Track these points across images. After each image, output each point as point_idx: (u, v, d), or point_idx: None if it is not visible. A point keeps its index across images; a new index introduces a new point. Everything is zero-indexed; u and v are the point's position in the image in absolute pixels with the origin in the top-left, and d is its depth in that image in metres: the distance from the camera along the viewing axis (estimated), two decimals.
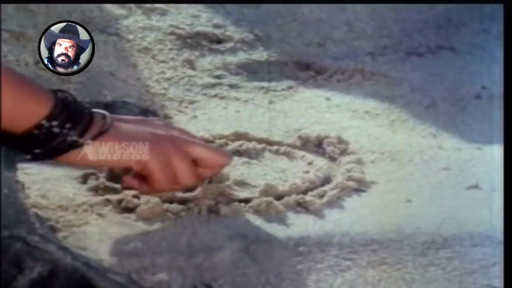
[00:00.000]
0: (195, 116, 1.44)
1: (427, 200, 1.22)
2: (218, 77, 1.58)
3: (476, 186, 1.25)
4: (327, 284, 1.04)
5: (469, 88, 1.60)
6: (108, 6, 1.72)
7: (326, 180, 1.23)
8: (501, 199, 1.11)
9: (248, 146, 1.30)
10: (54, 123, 0.96)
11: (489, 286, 1.06)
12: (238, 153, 1.29)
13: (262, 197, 1.16)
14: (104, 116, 1.03)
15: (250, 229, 1.10)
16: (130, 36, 1.65)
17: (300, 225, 1.12)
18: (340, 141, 1.33)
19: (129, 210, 1.12)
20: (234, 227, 1.10)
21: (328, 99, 1.55)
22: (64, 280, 0.88)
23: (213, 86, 1.55)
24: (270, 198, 1.15)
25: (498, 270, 1.07)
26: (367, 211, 1.18)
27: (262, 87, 1.57)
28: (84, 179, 1.20)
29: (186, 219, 1.11)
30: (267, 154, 1.30)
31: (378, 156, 1.32)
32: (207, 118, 1.43)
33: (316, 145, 1.33)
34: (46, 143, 0.97)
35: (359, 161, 1.29)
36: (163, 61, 1.60)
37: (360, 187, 1.22)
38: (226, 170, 1.19)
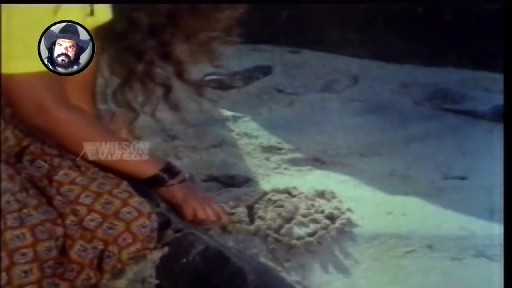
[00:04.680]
0: (268, 181, 1.43)
1: (374, 221, 1.19)
2: (279, 164, 1.56)
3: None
4: None
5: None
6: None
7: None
8: None
9: (291, 192, 1.27)
10: (163, 173, 0.92)
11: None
12: (288, 196, 1.25)
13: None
14: (184, 176, 0.97)
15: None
16: (242, 147, 1.64)
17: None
18: (333, 193, 1.31)
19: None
20: None
21: (328, 175, 1.51)
22: (212, 253, 0.87)
23: (277, 168, 1.54)
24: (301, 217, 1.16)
25: None
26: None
27: (298, 169, 1.54)
28: None
29: None
30: (301, 196, 1.26)
31: (353, 203, 1.28)
32: (274, 182, 1.42)
33: (320, 195, 1.29)
34: (158, 182, 0.92)
35: (340, 202, 1.27)
36: (255, 157, 1.59)
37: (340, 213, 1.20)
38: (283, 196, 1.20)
